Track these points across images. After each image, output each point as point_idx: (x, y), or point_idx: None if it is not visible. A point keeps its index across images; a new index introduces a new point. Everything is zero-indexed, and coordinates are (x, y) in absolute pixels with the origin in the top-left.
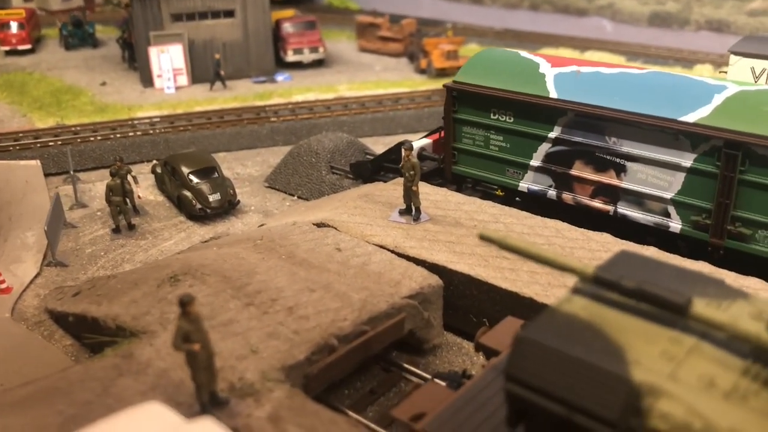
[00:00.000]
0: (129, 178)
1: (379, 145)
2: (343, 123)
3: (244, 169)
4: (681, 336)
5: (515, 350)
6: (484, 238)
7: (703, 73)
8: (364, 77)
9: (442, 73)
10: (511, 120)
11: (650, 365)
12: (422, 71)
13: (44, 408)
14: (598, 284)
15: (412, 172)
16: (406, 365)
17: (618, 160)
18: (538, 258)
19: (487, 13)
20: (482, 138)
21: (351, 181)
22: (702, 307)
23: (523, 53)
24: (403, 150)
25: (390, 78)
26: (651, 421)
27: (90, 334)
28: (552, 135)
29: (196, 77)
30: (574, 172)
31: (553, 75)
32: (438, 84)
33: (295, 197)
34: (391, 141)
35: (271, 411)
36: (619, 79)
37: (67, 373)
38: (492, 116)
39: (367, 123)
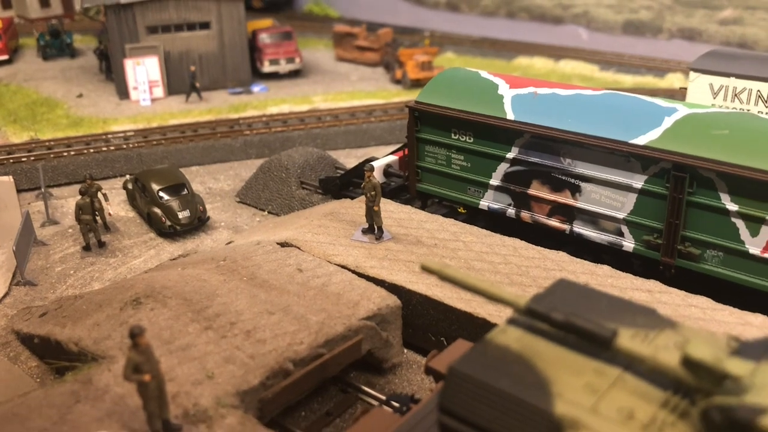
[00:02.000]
0: (99, 195)
1: (351, 158)
2: (316, 135)
3: (216, 183)
4: (606, 367)
5: (447, 382)
6: (426, 269)
7: (674, 81)
8: (340, 87)
9: (416, 83)
10: (471, 140)
11: (573, 398)
12: (397, 81)
13: None
14: (530, 316)
15: (372, 193)
16: (363, 386)
17: (573, 180)
18: (474, 289)
19: (464, 21)
20: (444, 157)
21: (320, 197)
22: (627, 339)
23: (484, 73)
24: (365, 171)
25: (365, 88)
26: None
27: (53, 357)
28: (510, 155)
29: (172, 89)
30: (531, 191)
31: (511, 96)
32: (412, 95)
33: (266, 212)
34: (363, 153)
35: None
36: (574, 100)
37: (27, 398)
38: (453, 136)
39: (340, 135)
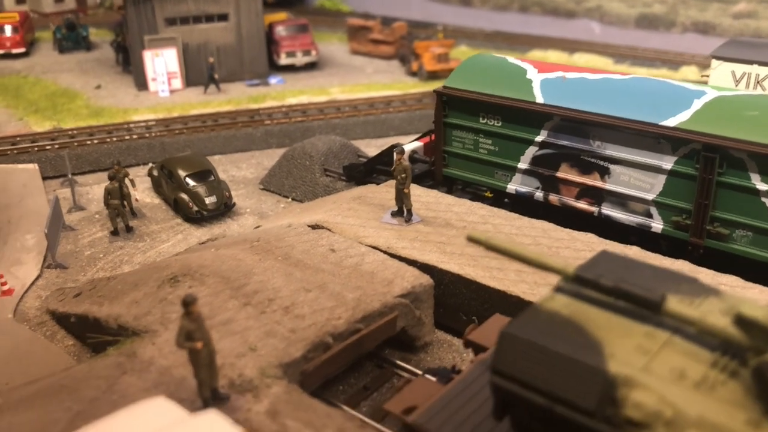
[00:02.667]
0: (127, 181)
1: (371, 148)
2: (335, 126)
3: (239, 171)
4: (655, 331)
5: (500, 345)
6: (472, 240)
7: (688, 74)
8: (356, 80)
9: (433, 75)
10: (499, 124)
11: (625, 358)
12: (413, 74)
13: (52, 404)
14: (579, 283)
15: (403, 175)
16: (398, 362)
17: (602, 162)
18: (521, 258)
19: (476, 15)
20: (471, 141)
21: (344, 184)
22: (675, 303)
23: (511, 59)
24: (395, 153)
25: (381, 80)
26: (625, 410)
27: (93, 333)
28: (538, 138)
29: (190, 81)
30: (559, 174)
31: (540, 80)
32: (429, 86)
33: (290, 199)
34: (382, 143)
35: (270, 406)
36: (603, 84)
37: (72, 371)
38: (481, 120)
39: (359, 125)
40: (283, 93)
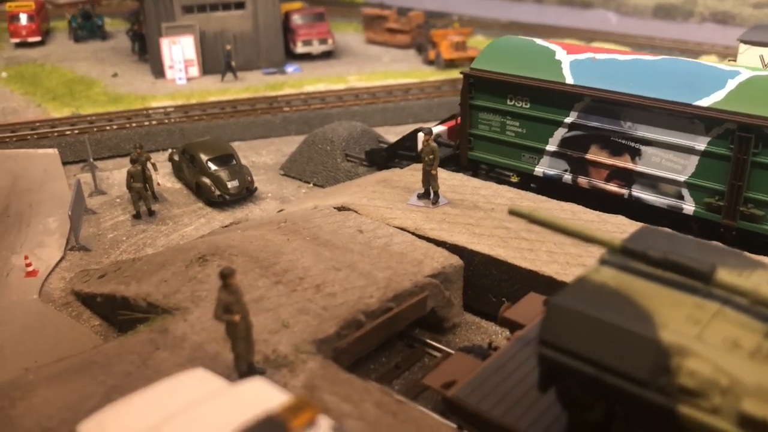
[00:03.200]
0: (148, 165)
1: (390, 135)
2: (354, 113)
3: (259, 157)
4: (704, 302)
5: (548, 316)
6: (515, 213)
7: None
8: (373, 68)
9: (450, 64)
10: (528, 106)
11: (677, 328)
12: (430, 62)
13: (85, 379)
14: (626, 255)
15: (431, 156)
16: (429, 341)
17: (633, 144)
18: (567, 231)
19: (491, 6)
20: (498, 124)
21: (366, 169)
22: (726, 274)
23: (539, 40)
24: (422, 135)
25: (398, 69)
26: (679, 379)
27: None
28: (568, 120)
29: (207, 68)
30: (589, 156)
31: (569, 62)
32: (447, 75)
33: (311, 184)
34: (401, 130)
35: (306, 381)
36: (634, 65)
37: (103, 348)
38: (508, 102)
39: (378, 113)
40: (301, 81)
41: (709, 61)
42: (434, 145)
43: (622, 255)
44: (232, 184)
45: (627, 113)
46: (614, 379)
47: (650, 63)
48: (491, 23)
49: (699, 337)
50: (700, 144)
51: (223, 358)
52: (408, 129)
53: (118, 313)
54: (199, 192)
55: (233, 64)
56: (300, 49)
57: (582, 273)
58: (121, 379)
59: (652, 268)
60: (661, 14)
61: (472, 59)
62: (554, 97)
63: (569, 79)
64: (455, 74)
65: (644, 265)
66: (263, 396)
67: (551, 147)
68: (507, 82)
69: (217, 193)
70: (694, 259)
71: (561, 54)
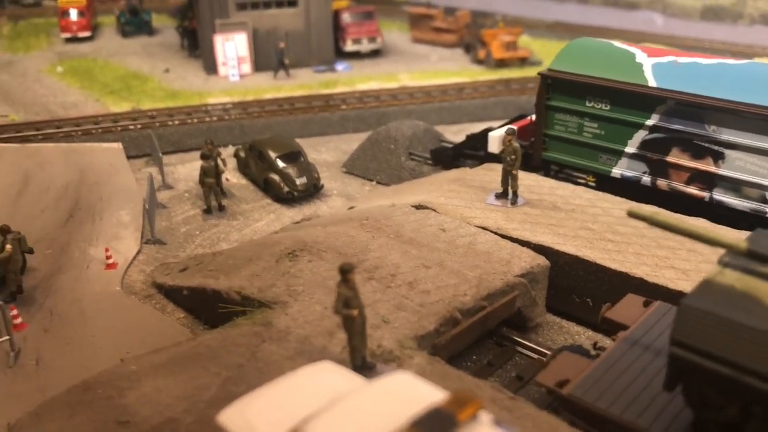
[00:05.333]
0: (218, 160)
1: (447, 133)
2: (410, 111)
3: (319, 154)
4: None
5: (681, 318)
6: (634, 215)
7: None
8: (422, 67)
9: (501, 63)
10: (608, 108)
11: None
12: (479, 62)
13: (195, 370)
14: (752, 258)
15: (513, 157)
16: (520, 340)
17: (716, 147)
18: (689, 233)
19: (534, 6)
20: (575, 125)
21: (430, 168)
22: None
23: (617, 43)
24: (505, 135)
25: (447, 68)
26: None
27: (208, 305)
28: (649, 123)
29: (258, 65)
30: (670, 159)
31: (651, 64)
32: (498, 74)
33: (374, 182)
34: (457, 129)
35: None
36: (718, 68)
37: (204, 340)
38: (587, 104)
39: (434, 111)
40: (352, 79)
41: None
42: (516, 145)
43: (747, 258)
44: (300, 181)
45: (711, 116)
46: (753, 380)
47: (735, 67)
48: (536, 23)
49: None
50: None
51: (330, 351)
52: (463, 128)
53: (218, 306)
54: (267, 188)
55: (286, 61)
56: (349, 47)
57: (707, 275)
58: (234, 370)
59: None
60: (709, 16)
61: (522, 59)
62: (636, 99)
63: (652, 82)
64: (507, 74)
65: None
66: (417, 389)
67: (630, 149)
68: (587, 84)
69: (286, 189)
70: None
71: (642, 57)
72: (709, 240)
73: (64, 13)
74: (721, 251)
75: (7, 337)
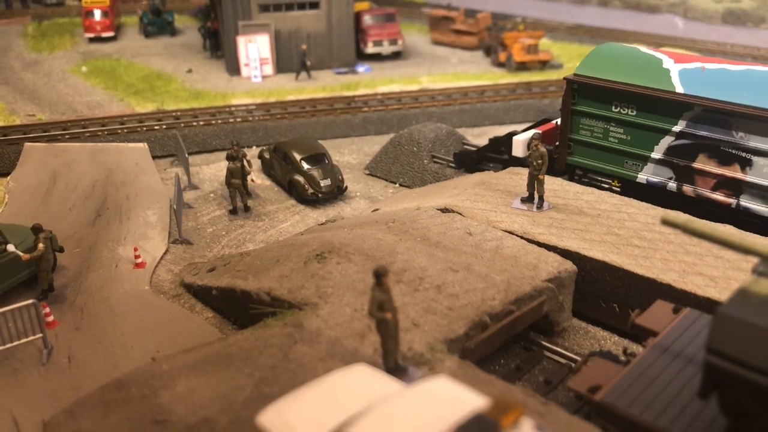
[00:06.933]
0: (245, 162)
1: (468, 136)
2: (432, 114)
3: (342, 156)
4: None
5: (717, 326)
6: (668, 223)
7: None
8: (443, 69)
9: (522, 66)
10: (634, 113)
11: None
12: (500, 64)
13: (229, 371)
14: None
15: (539, 161)
16: (549, 345)
17: (744, 154)
18: (723, 242)
19: (555, 9)
20: (601, 130)
21: (453, 171)
22: None
23: (643, 48)
24: (532, 139)
25: (468, 71)
26: None
27: (236, 306)
28: (676, 129)
29: (280, 67)
30: (696, 165)
31: (678, 70)
32: (519, 77)
33: (397, 184)
34: (478, 132)
35: None
36: (746, 75)
37: (235, 340)
38: (613, 109)
39: (455, 114)
40: (374, 81)
41: None
42: (543, 149)
43: None
44: (324, 183)
45: (740, 123)
46: None
47: (763, 73)
48: (556, 26)
49: None
50: None
51: (362, 353)
52: (484, 131)
53: (248, 306)
54: (292, 189)
55: (309, 63)
56: (370, 49)
57: (742, 284)
58: (267, 371)
59: None
60: (731, 20)
61: (543, 62)
62: (663, 105)
63: (679, 88)
64: (528, 77)
65: None
66: (458, 394)
67: (656, 155)
68: (614, 89)
69: (311, 191)
70: None
71: (668, 63)
72: (744, 249)
73: (88, 14)
74: (754, 260)
75: (41, 335)
